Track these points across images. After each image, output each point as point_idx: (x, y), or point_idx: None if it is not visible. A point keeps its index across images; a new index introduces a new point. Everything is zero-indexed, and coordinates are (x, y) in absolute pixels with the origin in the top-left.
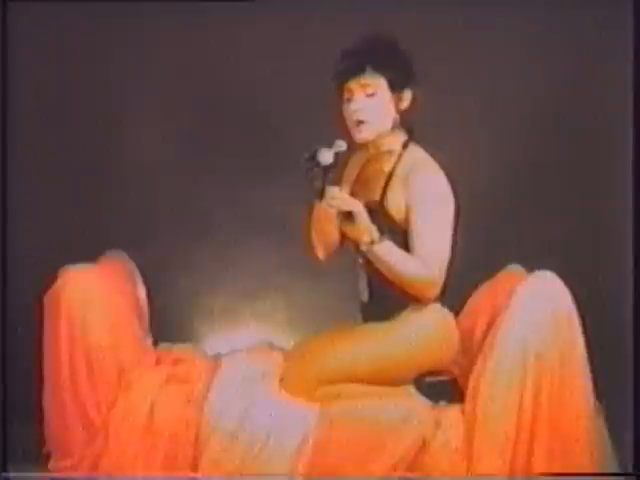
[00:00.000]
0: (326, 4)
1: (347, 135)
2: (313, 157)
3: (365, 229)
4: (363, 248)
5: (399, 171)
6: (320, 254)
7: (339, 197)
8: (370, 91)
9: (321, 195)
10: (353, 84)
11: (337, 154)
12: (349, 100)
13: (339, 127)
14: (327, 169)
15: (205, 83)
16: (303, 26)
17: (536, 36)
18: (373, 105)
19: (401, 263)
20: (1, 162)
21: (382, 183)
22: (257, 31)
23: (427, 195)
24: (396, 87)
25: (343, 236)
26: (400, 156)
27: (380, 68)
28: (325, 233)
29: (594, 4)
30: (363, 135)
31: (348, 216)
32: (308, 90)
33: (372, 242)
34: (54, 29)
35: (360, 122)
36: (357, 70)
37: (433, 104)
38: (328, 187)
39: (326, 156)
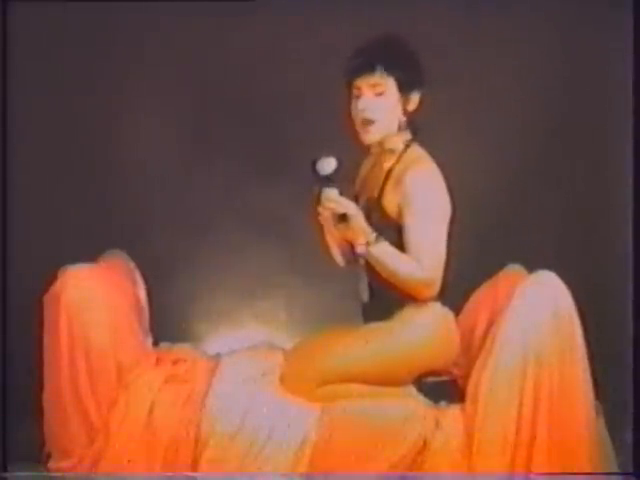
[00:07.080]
0: (326, 3)
1: (354, 138)
2: (313, 167)
3: (360, 231)
4: (359, 250)
5: (397, 169)
6: (338, 259)
7: (334, 199)
8: (379, 90)
9: (318, 201)
10: (362, 83)
11: (337, 167)
12: (357, 98)
13: (346, 130)
14: (327, 178)
15: (205, 83)
16: (303, 25)
17: (536, 37)
18: (381, 104)
19: (396, 264)
20: (1, 162)
21: (381, 181)
22: (257, 31)
23: (419, 193)
24: (405, 88)
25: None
26: (400, 155)
27: (390, 68)
28: (337, 236)
29: (594, 4)
30: (370, 136)
31: (344, 218)
32: (309, 90)
33: (368, 243)
34: (54, 29)
35: (367, 121)
36: (367, 69)
37: (434, 105)
38: (324, 189)
39: (325, 166)
